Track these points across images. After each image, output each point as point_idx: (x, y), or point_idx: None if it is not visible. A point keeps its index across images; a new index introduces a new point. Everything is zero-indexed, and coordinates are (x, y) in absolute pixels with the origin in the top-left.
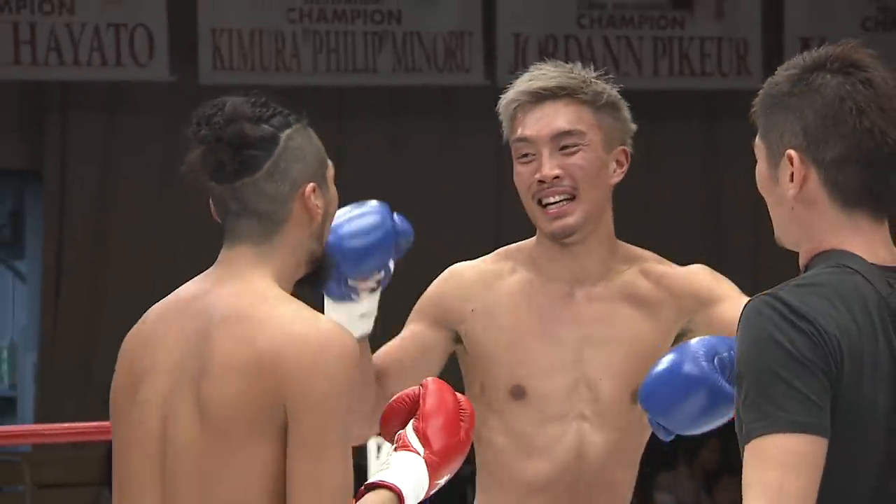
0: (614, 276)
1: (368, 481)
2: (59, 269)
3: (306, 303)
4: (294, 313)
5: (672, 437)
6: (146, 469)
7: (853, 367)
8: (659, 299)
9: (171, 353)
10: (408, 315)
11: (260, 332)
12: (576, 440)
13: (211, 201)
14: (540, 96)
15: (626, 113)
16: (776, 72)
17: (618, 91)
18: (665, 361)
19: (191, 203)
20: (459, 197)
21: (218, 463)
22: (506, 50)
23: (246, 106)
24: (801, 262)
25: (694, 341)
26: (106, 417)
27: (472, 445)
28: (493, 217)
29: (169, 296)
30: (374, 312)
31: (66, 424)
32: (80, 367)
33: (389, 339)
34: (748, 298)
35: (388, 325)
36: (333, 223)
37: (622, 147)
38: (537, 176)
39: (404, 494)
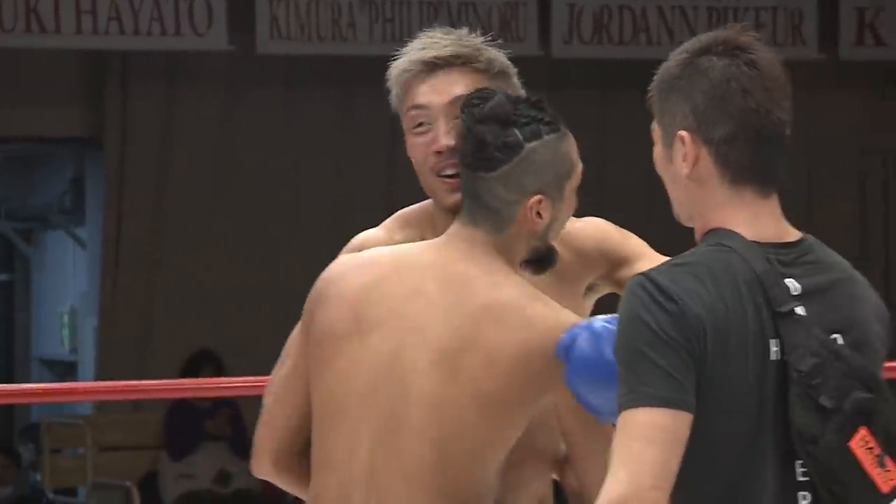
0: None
1: None
2: (119, 235)
3: None
4: (553, 307)
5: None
6: (366, 409)
7: (718, 345)
8: (566, 261)
9: (409, 311)
10: None
11: (529, 321)
12: None
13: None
14: (433, 65)
15: (517, 80)
16: (670, 56)
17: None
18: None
19: (247, 172)
20: None
21: (470, 420)
22: (560, 20)
23: (508, 106)
24: (696, 238)
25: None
26: (167, 377)
27: None
28: None
29: (381, 252)
30: None
31: (127, 382)
32: (139, 331)
33: None
34: (658, 256)
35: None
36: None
37: None
38: (434, 147)
39: None
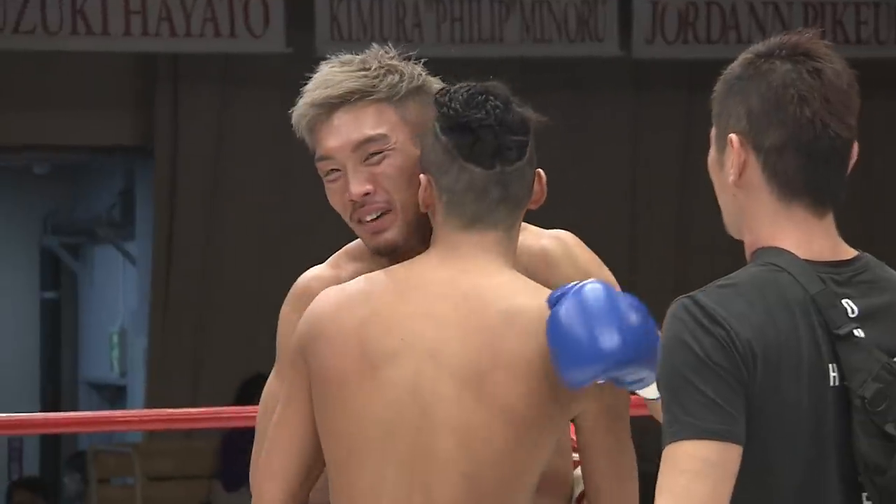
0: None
1: None
2: (170, 250)
3: None
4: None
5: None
6: (391, 445)
7: (769, 371)
8: (540, 276)
9: (422, 336)
10: None
11: (542, 327)
12: None
13: (428, 185)
14: (331, 106)
15: (434, 86)
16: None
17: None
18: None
19: (306, 180)
20: (590, 177)
21: (498, 446)
22: (643, 18)
23: (502, 88)
24: (747, 256)
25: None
26: (220, 404)
27: None
28: (627, 195)
29: (378, 276)
30: None
31: (178, 410)
32: (191, 353)
33: None
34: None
35: None
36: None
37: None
38: (348, 196)
39: None
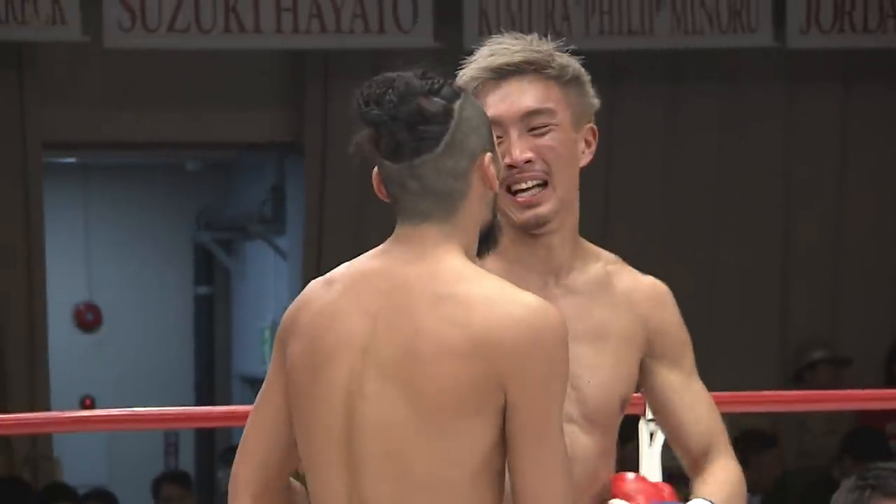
0: (585, 268)
1: None
2: (321, 244)
3: None
4: (500, 291)
5: None
6: (332, 449)
7: None
8: (626, 311)
9: (357, 333)
10: None
11: (470, 312)
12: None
13: (378, 178)
14: (504, 73)
15: (590, 88)
16: None
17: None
18: None
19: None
20: (742, 169)
21: (421, 442)
22: (797, 8)
23: (416, 80)
24: None
25: None
26: None
27: None
28: (781, 190)
29: (342, 269)
30: None
31: None
32: None
33: None
34: (696, 377)
35: None
36: None
37: (590, 125)
38: (507, 160)
39: None
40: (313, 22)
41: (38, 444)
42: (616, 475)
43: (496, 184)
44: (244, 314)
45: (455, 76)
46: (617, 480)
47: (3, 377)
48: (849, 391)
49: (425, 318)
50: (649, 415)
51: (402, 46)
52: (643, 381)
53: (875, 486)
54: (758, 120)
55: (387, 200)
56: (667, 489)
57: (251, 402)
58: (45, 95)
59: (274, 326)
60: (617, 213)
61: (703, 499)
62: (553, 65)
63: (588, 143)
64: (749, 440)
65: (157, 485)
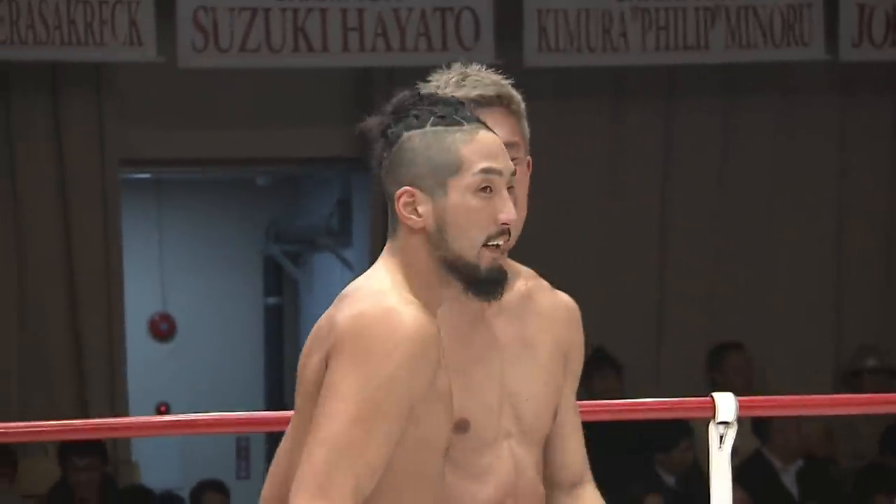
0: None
1: None
2: None
3: None
4: (368, 295)
5: None
6: None
7: None
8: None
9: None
10: None
11: (340, 308)
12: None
13: None
14: (476, 104)
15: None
16: None
17: None
18: None
19: None
20: (796, 179)
21: (298, 429)
22: (849, 21)
23: (408, 100)
24: None
25: None
26: None
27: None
28: (834, 201)
29: None
30: None
31: None
32: None
33: None
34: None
35: None
36: None
37: (528, 157)
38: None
39: None
40: (378, 40)
41: (119, 448)
42: None
43: (416, 223)
44: (312, 323)
45: (422, 107)
46: None
47: (84, 385)
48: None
49: (323, 315)
50: (720, 416)
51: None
52: None
53: None
54: (811, 131)
55: None
56: None
57: None
58: (122, 114)
59: None
60: (673, 222)
61: None
62: (515, 100)
63: (527, 170)
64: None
65: (197, 493)
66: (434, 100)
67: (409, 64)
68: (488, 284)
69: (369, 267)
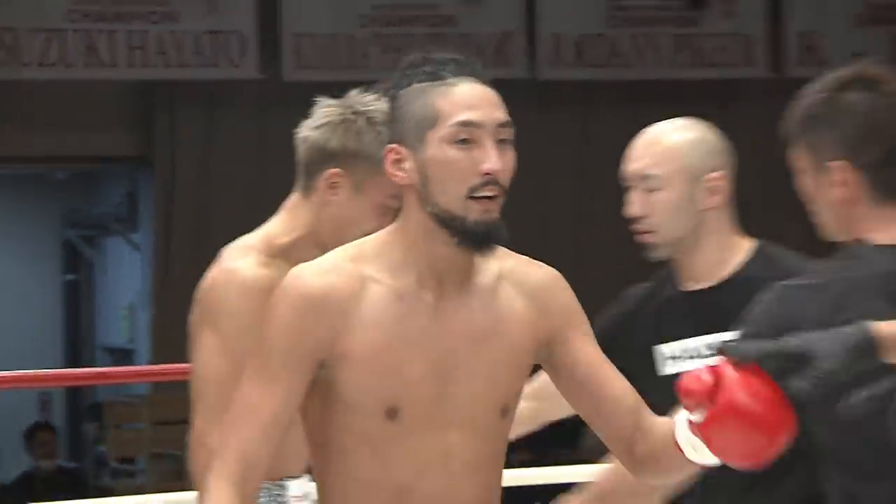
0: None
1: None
2: (168, 239)
3: None
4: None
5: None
6: None
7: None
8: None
9: None
10: None
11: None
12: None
13: None
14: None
15: None
16: (804, 93)
17: None
18: None
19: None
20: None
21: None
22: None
23: (406, 64)
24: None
25: None
26: None
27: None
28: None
29: None
30: None
31: (178, 365)
32: (187, 322)
33: None
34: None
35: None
36: None
37: None
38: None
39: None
40: (159, 58)
41: None
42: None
43: (400, 178)
44: (105, 297)
45: (417, 67)
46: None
47: None
48: None
49: None
50: None
51: (233, 77)
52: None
53: None
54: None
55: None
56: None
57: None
58: None
59: (130, 306)
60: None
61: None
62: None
63: None
64: None
65: (31, 432)
66: (428, 59)
67: (186, 78)
68: (477, 237)
69: (153, 248)
